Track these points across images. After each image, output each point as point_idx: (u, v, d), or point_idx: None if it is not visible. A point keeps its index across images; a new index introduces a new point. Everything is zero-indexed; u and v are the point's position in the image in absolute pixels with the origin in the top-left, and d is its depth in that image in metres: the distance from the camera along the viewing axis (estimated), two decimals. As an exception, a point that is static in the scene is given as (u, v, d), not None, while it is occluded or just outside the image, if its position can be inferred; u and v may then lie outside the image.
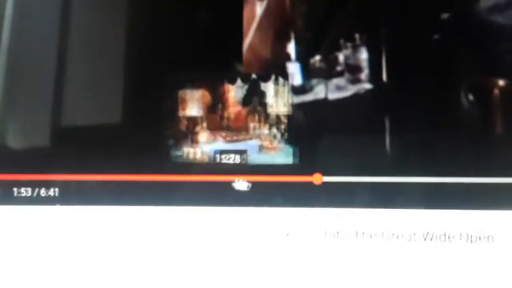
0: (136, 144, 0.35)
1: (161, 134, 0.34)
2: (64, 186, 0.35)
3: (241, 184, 0.33)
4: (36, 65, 0.36)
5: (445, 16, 0.33)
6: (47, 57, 0.36)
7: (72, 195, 0.35)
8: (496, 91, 0.32)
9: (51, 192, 0.35)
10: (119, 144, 0.35)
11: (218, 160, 0.34)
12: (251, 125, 0.34)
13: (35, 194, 0.35)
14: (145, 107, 0.35)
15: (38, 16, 0.36)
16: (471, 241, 0.31)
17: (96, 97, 0.36)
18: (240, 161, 0.34)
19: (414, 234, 0.32)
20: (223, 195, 0.33)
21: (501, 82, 0.32)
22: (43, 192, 0.35)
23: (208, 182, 0.34)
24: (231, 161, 0.33)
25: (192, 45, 0.35)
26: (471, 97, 0.32)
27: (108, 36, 0.36)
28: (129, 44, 0.35)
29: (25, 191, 0.35)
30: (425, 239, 0.31)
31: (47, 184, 0.35)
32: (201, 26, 0.35)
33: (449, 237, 0.31)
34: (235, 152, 0.34)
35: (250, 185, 0.33)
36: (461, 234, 0.31)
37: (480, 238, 0.31)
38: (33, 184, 0.35)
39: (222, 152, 0.34)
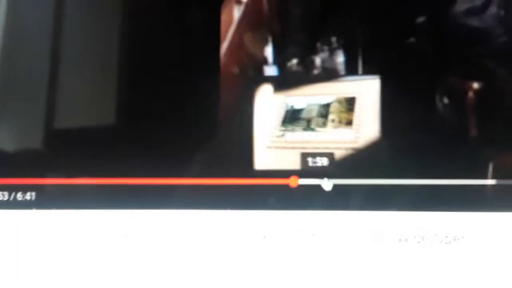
0: (117, 147, 0.34)
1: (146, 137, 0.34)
2: (41, 190, 0.35)
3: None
4: (20, 66, 0.36)
5: (420, 19, 0.33)
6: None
7: (49, 199, 0.35)
8: (471, 94, 0.32)
9: (27, 196, 0.35)
10: (100, 147, 0.35)
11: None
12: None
13: (11, 198, 0.35)
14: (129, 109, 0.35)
15: (32, 19, 0.36)
16: (445, 242, 0.31)
17: (79, 100, 0.36)
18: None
19: (390, 236, 0.32)
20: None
21: (475, 85, 0.32)
22: (19, 196, 0.35)
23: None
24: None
25: (172, 49, 0.35)
26: (446, 100, 0.32)
27: (102, 38, 0.36)
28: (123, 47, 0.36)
29: (2, 195, 0.35)
30: (399, 240, 0.32)
31: (24, 188, 0.35)
32: (179, 30, 0.35)
33: (423, 239, 0.31)
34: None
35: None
36: (435, 235, 0.31)
37: (453, 239, 0.31)
38: (10, 188, 0.35)
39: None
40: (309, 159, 0.33)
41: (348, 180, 0.32)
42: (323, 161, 0.33)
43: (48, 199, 0.35)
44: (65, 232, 0.34)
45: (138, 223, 0.33)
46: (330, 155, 0.33)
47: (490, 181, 0.32)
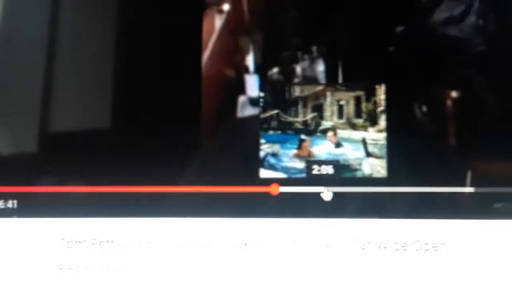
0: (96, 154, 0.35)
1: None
2: (22, 198, 0.35)
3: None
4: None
5: (400, 29, 0.33)
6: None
7: (31, 207, 0.35)
8: (449, 103, 0.33)
9: (9, 204, 0.35)
10: (83, 154, 0.35)
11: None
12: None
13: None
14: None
15: (26, 22, 0.36)
16: (425, 249, 0.31)
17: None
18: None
19: (369, 243, 0.32)
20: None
21: (454, 94, 0.33)
22: (1, 204, 0.35)
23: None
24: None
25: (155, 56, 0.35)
26: (424, 108, 0.33)
27: (98, 41, 0.36)
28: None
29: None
30: (379, 247, 0.32)
31: (5, 196, 0.35)
32: (161, 38, 0.35)
33: (403, 246, 0.32)
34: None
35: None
36: (414, 243, 0.32)
37: (433, 247, 0.31)
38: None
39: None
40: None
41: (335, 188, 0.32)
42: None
43: (30, 207, 0.35)
44: (47, 241, 0.34)
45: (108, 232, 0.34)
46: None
47: (469, 189, 0.32)
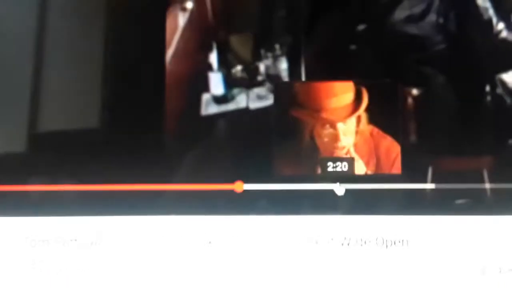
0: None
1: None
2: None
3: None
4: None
5: (361, 27, 0.34)
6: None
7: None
8: (410, 100, 0.33)
9: None
10: (44, 154, 0.35)
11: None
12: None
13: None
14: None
15: (15, 22, 0.36)
16: (387, 245, 0.32)
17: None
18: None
19: (332, 239, 0.32)
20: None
21: (414, 91, 0.33)
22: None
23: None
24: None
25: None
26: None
27: (87, 41, 0.35)
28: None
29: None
30: (342, 244, 0.32)
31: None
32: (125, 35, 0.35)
33: (365, 242, 0.32)
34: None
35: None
36: (376, 239, 0.32)
37: (395, 242, 0.32)
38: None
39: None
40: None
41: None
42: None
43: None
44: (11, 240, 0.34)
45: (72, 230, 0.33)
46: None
47: (430, 185, 0.32)
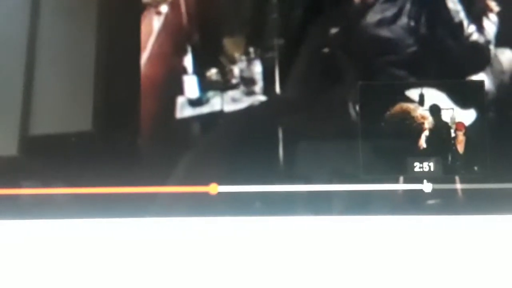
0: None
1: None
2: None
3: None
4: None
5: (334, 30, 0.34)
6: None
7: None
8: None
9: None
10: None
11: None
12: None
13: None
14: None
15: (7, 24, 0.36)
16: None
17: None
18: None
19: (309, 240, 0.33)
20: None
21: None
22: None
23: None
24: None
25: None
26: (358, 108, 0.33)
27: (78, 44, 0.36)
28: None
29: None
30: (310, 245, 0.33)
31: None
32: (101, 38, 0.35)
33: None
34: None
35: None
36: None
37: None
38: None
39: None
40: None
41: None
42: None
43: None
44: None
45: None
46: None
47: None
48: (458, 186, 0.32)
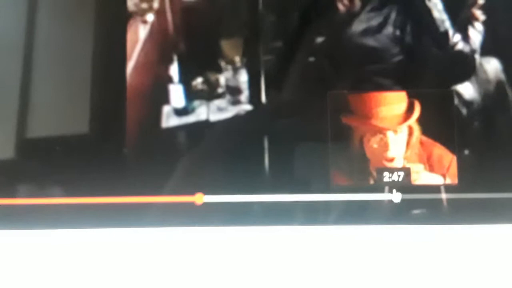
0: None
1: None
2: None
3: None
4: None
5: (319, 39, 0.34)
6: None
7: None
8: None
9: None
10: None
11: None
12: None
13: None
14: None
15: (3, 29, 0.36)
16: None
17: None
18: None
19: (293, 250, 0.33)
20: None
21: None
22: None
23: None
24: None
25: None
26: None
27: (75, 47, 0.35)
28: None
29: None
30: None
31: None
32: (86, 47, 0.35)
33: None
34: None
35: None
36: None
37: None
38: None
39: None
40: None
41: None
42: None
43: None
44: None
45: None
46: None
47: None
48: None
